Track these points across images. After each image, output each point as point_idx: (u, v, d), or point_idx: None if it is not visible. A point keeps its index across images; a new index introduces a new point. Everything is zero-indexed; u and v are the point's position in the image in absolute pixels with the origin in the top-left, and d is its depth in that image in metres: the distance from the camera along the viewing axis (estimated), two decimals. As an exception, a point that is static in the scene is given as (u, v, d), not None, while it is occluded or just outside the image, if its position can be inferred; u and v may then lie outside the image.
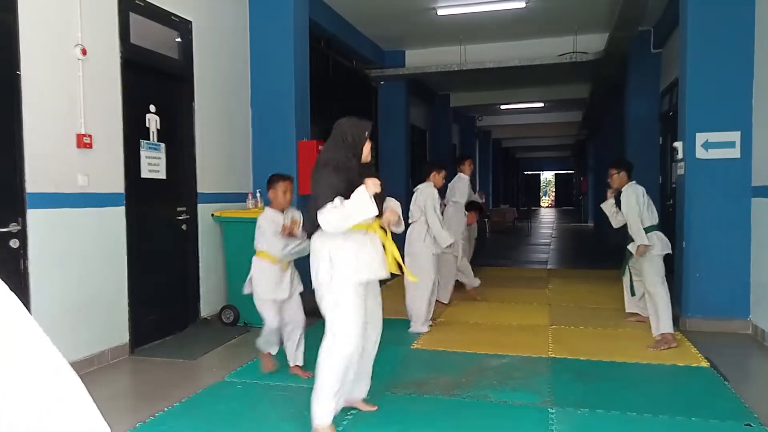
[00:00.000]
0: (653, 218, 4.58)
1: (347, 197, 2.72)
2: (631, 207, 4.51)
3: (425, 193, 5.12)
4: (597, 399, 3.38)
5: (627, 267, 4.89)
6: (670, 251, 4.62)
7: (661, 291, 4.47)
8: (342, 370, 2.82)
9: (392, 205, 3.00)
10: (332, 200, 2.71)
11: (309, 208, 2.85)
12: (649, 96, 8.73)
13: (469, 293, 6.33)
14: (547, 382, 3.72)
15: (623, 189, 4.67)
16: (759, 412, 3.17)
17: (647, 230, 4.51)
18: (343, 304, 2.81)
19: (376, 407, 3.24)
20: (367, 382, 3.21)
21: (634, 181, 4.69)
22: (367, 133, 2.93)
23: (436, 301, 5.59)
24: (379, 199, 2.82)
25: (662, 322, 4.44)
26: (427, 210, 5.02)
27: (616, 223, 4.91)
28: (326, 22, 7.47)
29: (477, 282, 6.36)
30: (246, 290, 3.77)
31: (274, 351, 3.86)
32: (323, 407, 2.83)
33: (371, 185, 2.73)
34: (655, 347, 4.38)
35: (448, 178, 6.55)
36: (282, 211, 3.71)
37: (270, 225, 3.64)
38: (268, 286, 3.66)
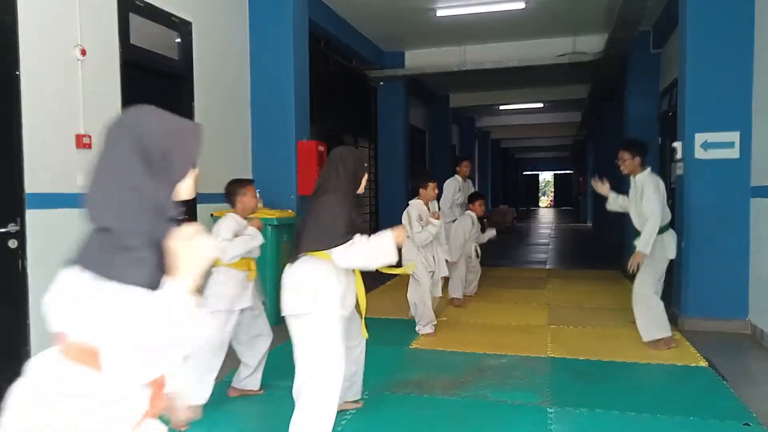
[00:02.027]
0: (668, 215, 4.27)
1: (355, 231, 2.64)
2: (656, 201, 4.05)
3: (409, 209, 4.93)
4: (596, 399, 3.38)
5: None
6: (673, 256, 4.40)
7: (652, 294, 4.31)
8: (335, 400, 2.67)
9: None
10: (349, 236, 2.58)
11: (307, 232, 2.67)
12: (649, 96, 8.74)
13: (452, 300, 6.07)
14: (546, 381, 3.72)
15: (641, 177, 4.25)
16: (757, 412, 3.17)
17: (664, 229, 4.22)
18: (326, 336, 2.62)
19: (361, 404, 3.29)
20: (359, 387, 3.23)
21: (649, 168, 4.33)
22: (366, 164, 2.88)
23: (454, 298, 6.00)
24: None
25: (658, 328, 4.32)
26: (406, 224, 4.82)
27: (617, 207, 4.64)
28: (326, 22, 7.47)
29: (459, 293, 6.05)
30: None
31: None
32: None
33: (399, 236, 2.66)
34: (655, 347, 4.37)
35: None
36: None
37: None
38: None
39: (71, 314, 1.22)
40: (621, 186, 5.32)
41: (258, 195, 5.52)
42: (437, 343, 4.67)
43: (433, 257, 5.02)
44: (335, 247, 2.58)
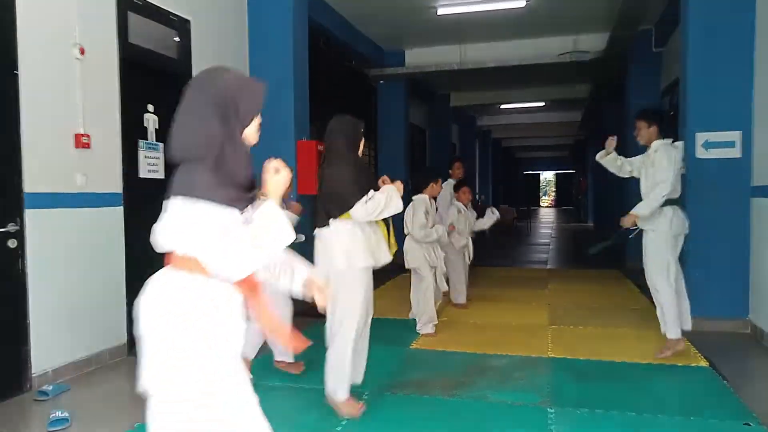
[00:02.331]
0: (678, 189, 3.93)
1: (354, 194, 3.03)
2: (667, 170, 3.77)
3: (414, 203, 4.97)
4: (596, 399, 3.38)
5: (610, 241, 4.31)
6: (686, 231, 4.02)
7: (664, 285, 3.89)
8: (351, 348, 3.10)
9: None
10: (360, 195, 3.01)
11: (326, 201, 3.09)
12: (650, 95, 8.71)
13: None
14: (547, 382, 3.72)
15: (656, 143, 3.97)
16: (758, 412, 3.16)
17: (674, 201, 3.91)
18: (354, 290, 3.08)
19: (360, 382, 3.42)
20: (363, 362, 3.37)
21: (670, 139, 4.00)
22: (361, 128, 3.24)
23: (455, 303, 5.87)
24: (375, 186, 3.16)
25: (668, 326, 4.00)
26: (408, 219, 4.91)
27: (622, 172, 4.34)
28: (326, 20, 7.46)
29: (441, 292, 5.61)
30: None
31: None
32: (341, 384, 3.11)
33: (399, 188, 3.15)
34: (661, 354, 4.10)
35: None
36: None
37: None
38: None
39: (173, 233, 1.51)
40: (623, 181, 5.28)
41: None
42: (437, 343, 4.66)
43: (435, 252, 5.06)
44: (352, 207, 3.01)
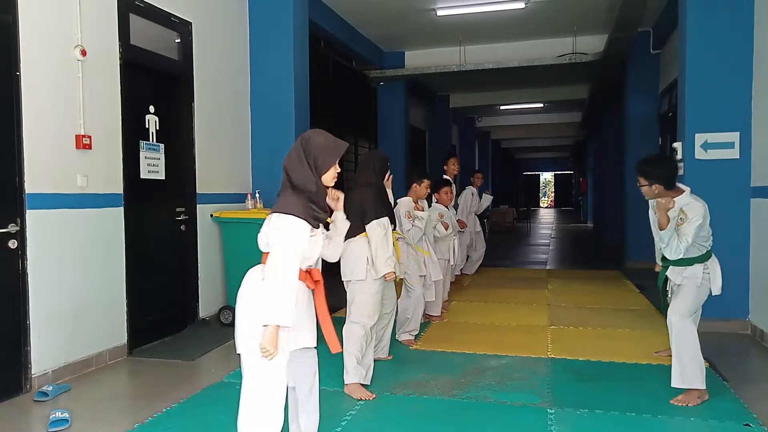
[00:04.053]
0: (710, 243, 3.49)
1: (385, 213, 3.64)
2: (693, 227, 3.31)
3: (398, 208, 4.60)
4: (596, 399, 3.38)
5: (665, 288, 3.70)
6: (719, 292, 3.51)
7: (690, 327, 3.36)
8: (362, 341, 3.54)
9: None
10: (378, 216, 3.55)
11: (352, 216, 3.40)
12: (649, 97, 8.74)
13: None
14: (547, 382, 3.72)
15: (681, 200, 3.41)
16: (757, 412, 3.17)
17: (707, 255, 3.45)
18: (370, 295, 3.56)
19: (391, 356, 4.21)
20: (387, 342, 4.16)
21: (689, 189, 3.47)
22: (389, 163, 3.89)
23: (429, 315, 5.30)
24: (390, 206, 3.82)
25: (690, 373, 3.29)
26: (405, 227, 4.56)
27: (675, 253, 3.38)
28: (326, 22, 7.47)
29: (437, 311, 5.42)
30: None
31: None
32: (352, 370, 3.52)
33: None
34: (684, 399, 3.32)
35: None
36: None
37: None
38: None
39: (266, 238, 2.27)
40: (624, 186, 5.29)
41: (258, 196, 5.57)
42: (437, 344, 4.66)
43: (424, 261, 4.71)
44: (369, 224, 3.54)
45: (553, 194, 41.51)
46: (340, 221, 2.55)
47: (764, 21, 4.74)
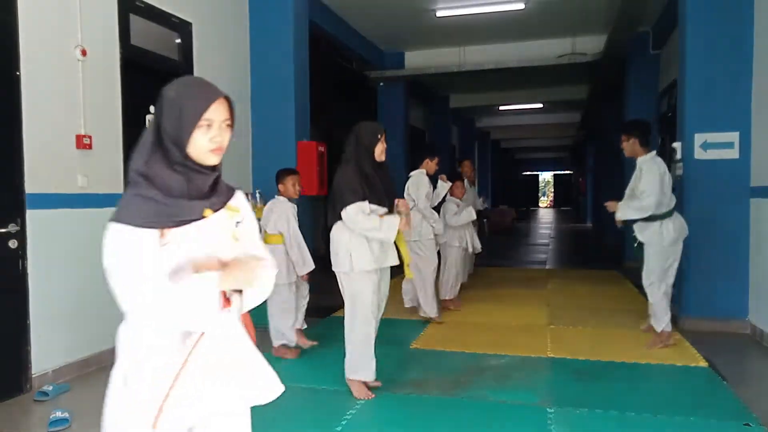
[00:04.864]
0: (671, 202, 4.07)
1: (365, 193, 3.17)
2: (653, 183, 3.87)
3: (416, 181, 5.29)
4: (595, 399, 3.39)
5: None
6: (686, 233, 4.18)
7: (659, 285, 4.17)
8: (366, 342, 3.36)
9: (403, 208, 3.38)
10: (358, 201, 3.15)
11: (332, 201, 3.29)
12: (648, 97, 8.74)
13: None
14: (546, 382, 3.73)
15: (641, 159, 4.02)
16: (757, 412, 3.17)
17: (663, 216, 4.04)
18: (362, 292, 3.28)
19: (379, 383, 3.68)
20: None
21: (654, 152, 4.08)
22: (379, 135, 3.30)
23: (442, 300, 5.71)
24: (391, 197, 3.34)
25: (658, 319, 4.27)
26: (419, 196, 5.18)
27: (629, 214, 4.17)
28: (326, 23, 7.48)
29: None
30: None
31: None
32: (356, 368, 3.39)
33: (404, 224, 3.25)
34: (651, 346, 4.35)
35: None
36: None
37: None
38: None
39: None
40: (624, 186, 5.29)
41: (258, 196, 5.57)
42: (437, 343, 4.67)
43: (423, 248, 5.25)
44: (342, 210, 3.17)
45: (552, 194, 41.52)
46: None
47: (764, 21, 4.75)
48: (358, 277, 3.27)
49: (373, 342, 3.41)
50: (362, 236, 3.21)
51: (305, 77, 6.13)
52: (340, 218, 3.25)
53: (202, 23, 5.22)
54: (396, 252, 3.40)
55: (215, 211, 1.46)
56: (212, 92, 1.43)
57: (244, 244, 1.53)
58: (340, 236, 3.28)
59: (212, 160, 1.44)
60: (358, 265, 3.23)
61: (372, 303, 3.33)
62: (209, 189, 1.46)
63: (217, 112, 1.42)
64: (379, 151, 3.29)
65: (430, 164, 5.35)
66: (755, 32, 4.89)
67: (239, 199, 1.57)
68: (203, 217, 1.43)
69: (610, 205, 4.21)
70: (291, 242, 4.20)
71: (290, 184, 4.30)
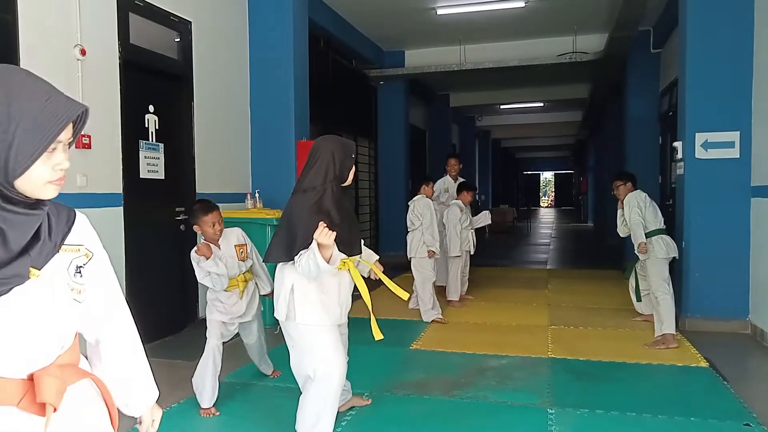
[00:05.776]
0: (658, 222, 4.65)
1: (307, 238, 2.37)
2: (633, 212, 4.66)
3: (422, 204, 5.61)
4: (596, 399, 3.38)
5: (634, 271, 5.07)
6: (676, 255, 4.65)
7: (665, 294, 4.49)
8: (332, 404, 2.57)
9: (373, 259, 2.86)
10: (305, 246, 2.37)
11: (279, 234, 2.56)
12: (649, 96, 8.72)
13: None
14: (547, 382, 3.72)
15: (627, 197, 4.78)
16: (758, 412, 3.17)
17: (652, 233, 4.58)
18: (312, 342, 2.53)
19: (369, 401, 3.33)
20: (347, 389, 3.17)
21: (638, 189, 4.81)
22: (353, 155, 2.61)
23: (449, 301, 6.04)
24: (355, 235, 2.62)
25: (665, 324, 4.46)
26: (423, 219, 5.54)
27: (622, 233, 4.97)
28: (326, 21, 7.46)
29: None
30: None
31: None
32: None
33: (322, 240, 2.27)
34: (652, 346, 4.41)
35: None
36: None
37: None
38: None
39: None
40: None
41: (257, 196, 5.55)
42: (437, 344, 4.66)
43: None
44: (297, 256, 2.40)
45: (553, 194, 41.50)
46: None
47: (764, 20, 4.74)
48: (301, 330, 2.55)
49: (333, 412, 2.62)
50: (311, 285, 2.52)
51: (305, 76, 6.12)
52: (286, 259, 2.52)
53: (202, 22, 5.21)
54: (347, 308, 2.69)
55: (46, 262, 1.05)
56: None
57: (91, 301, 1.13)
58: (285, 279, 2.56)
59: (50, 194, 1.09)
60: (300, 315, 2.52)
61: (331, 358, 2.55)
62: (34, 234, 1.05)
63: (67, 129, 1.03)
64: (352, 177, 2.62)
65: (427, 189, 5.75)
66: (755, 31, 4.87)
67: (82, 230, 1.18)
68: (28, 278, 1.00)
69: (641, 248, 4.61)
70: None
71: (208, 226, 3.27)
